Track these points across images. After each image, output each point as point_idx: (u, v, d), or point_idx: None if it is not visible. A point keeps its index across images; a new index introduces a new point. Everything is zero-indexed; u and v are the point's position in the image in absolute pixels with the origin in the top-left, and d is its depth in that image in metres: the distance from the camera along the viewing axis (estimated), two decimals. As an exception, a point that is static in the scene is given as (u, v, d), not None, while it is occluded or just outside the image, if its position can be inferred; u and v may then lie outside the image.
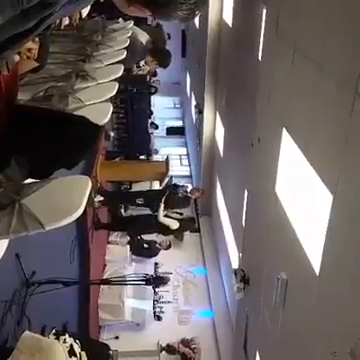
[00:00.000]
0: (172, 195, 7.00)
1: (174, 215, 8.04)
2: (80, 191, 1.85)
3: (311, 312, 3.15)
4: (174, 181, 8.16)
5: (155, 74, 11.18)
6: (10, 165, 1.70)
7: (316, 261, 3.06)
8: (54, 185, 1.87)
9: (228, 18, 7.88)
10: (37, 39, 1.86)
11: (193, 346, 7.21)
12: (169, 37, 9.67)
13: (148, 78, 10.40)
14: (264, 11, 4.89)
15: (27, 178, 1.88)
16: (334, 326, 2.81)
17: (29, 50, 1.89)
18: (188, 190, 7.41)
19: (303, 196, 3.50)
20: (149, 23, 6.16)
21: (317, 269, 3.04)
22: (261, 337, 4.70)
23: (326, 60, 2.95)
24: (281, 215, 3.84)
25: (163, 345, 7.22)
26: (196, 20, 10.79)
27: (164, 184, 6.84)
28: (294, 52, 3.53)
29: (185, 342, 7.24)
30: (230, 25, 7.70)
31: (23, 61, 1.95)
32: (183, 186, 7.55)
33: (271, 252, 4.28)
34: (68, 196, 1.86)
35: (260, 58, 4.93)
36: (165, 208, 7.00)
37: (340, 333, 2.70)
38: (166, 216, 7.29)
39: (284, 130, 3.79)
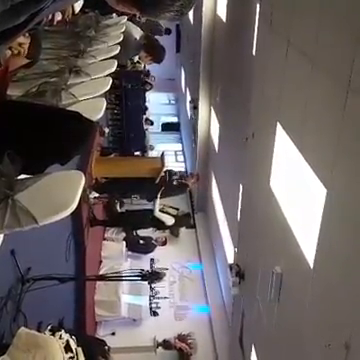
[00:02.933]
0: (168, 184, 6.97)
1: (170, 211, 8.06)
2: (74, 186, 1.85)
3: (306, 305, 3.18)
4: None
5: (148, 73, 11.14)
6: (3, 161, 1.70)
7: (310, 255, 3.08)
8: (47, 180, 1.87)
9: (222, 13, 7.87)
10: (27, 34, 1.85)
11: (189, 341, 7.24)
12: (169, 32, 9.63)
13: (142, 75, 10.39)
14: (258, 6, 4.89)
15: (20, 174, 1.88)
16: (328, 319, 2.83)
17: (20, 45, 1.88)
18: (184, 176, 7.41)
19: (297, 191, 3.52)
20: (138, 20, 6.16)
21: (311, 263, 3.06)
22: (257, 331, 4.73)
23: (319, 55, 2.96)
24: (276, 210, 3.85)
25: (159, 341, 7.25)
26: (190, 15, 10.76)
27: (159, 179, 6.82)
28: (288, 47, 3.53)
29: (181, 337, 7.27)
30: (224, 20, 7.69)
31: (15, 57, 1.94)
32: (178, 173, 7.52)
33: (266, 247, 4.31)
34: (62, 191, 1.86)
35: (254, 53, 4.93)
36: (161, 197, 6.99)
37: (334, 326, 2.73)
38: (161, 211, 7.29)
39: (278, 125, 3.80)
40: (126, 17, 4.57)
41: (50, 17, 2.94)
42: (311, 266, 3.06)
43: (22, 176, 1.92)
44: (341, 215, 2.67)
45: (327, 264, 2.86)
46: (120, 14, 4.56)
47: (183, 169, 13.03)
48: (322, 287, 2.92)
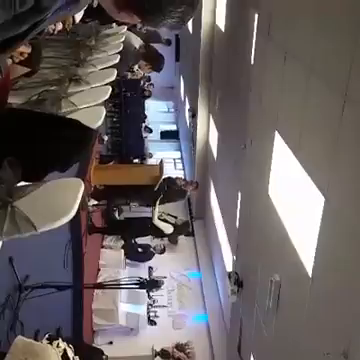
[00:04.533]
0: (167, 190, 6.98)
1: (169, 218, 8.05)
2: (73, 193, 1.86)
3: (304, 313, 3.17)
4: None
5: (149, 79, 11.23)
6: (2, 167, 1.71)
7: (309, 263, 3.09)
8: (47, 188, 1.87)
9: (221, 23, 7.95)
10: (28, 43, 1.87)
11: (188, 350, 7.19)
12: (169, 44, 9.72)
13: (142, 82, 10.46)
14: (256, 16, 4.95)
15: (20, 181, 1.88)
16: (327, 327, 2.83)
17: (21, 54, 1.90)
18: (183, 182, 7.44)
19: (296, 199, 3.53)
20: (138, 30, 6.21)
21: (310, 271, 3.06)
22: (255, 339, 4.71)
23: (316, 64, 2.99)
24: (274, 218, 3.86)
25: (157, 350, 7.19)
26: (189, 25, 10.86)
27: (158, 186, 6.83)
28: (285, 56, 3.57)
29: (179, 346, 7.22)
30: (223, 30, 7.76)
31: (15, 66, 1.96)
32: (177, 179, 7.54)
33: (264, 255, 4.30)
34: (61, 198, 1.86)
35: (252, 62, 4.97)
36: (160, 203, 7.00)
37: (333, 334, 2.72)
38: (160, 219, 7.28)
39: (276, 133, 3.82)
40: (126, 27, 4.62)
41: (53, 26, 2.97)
42: (310, 274, 3.06)
43: (22, 183, 1.93)
44: (339, 223, 2.68)
45: (325, 272, 2.87)
46: (120, 24, 4.60)
47: (181, 176, 13.04)
48: (321, 295, 2.92)
